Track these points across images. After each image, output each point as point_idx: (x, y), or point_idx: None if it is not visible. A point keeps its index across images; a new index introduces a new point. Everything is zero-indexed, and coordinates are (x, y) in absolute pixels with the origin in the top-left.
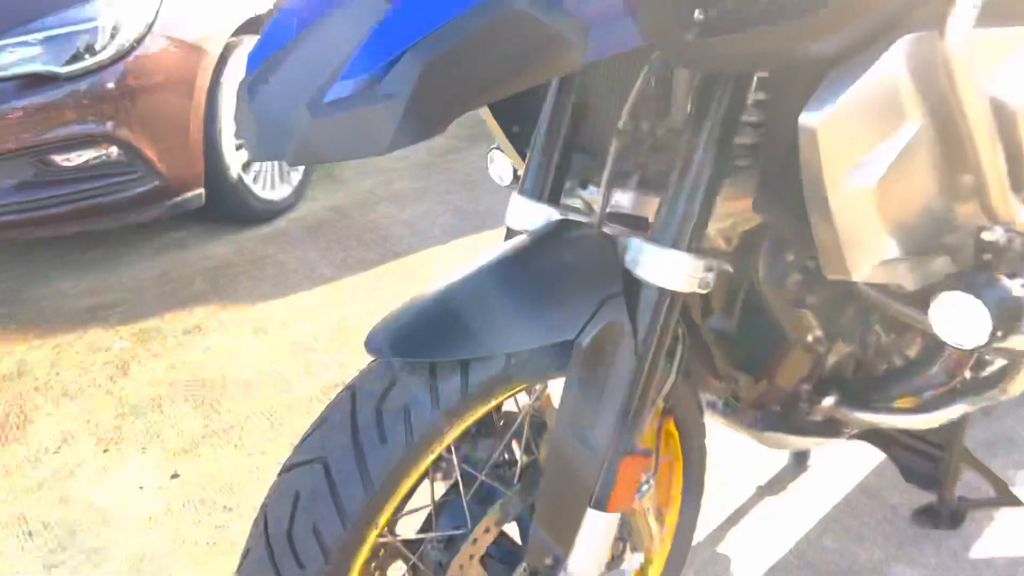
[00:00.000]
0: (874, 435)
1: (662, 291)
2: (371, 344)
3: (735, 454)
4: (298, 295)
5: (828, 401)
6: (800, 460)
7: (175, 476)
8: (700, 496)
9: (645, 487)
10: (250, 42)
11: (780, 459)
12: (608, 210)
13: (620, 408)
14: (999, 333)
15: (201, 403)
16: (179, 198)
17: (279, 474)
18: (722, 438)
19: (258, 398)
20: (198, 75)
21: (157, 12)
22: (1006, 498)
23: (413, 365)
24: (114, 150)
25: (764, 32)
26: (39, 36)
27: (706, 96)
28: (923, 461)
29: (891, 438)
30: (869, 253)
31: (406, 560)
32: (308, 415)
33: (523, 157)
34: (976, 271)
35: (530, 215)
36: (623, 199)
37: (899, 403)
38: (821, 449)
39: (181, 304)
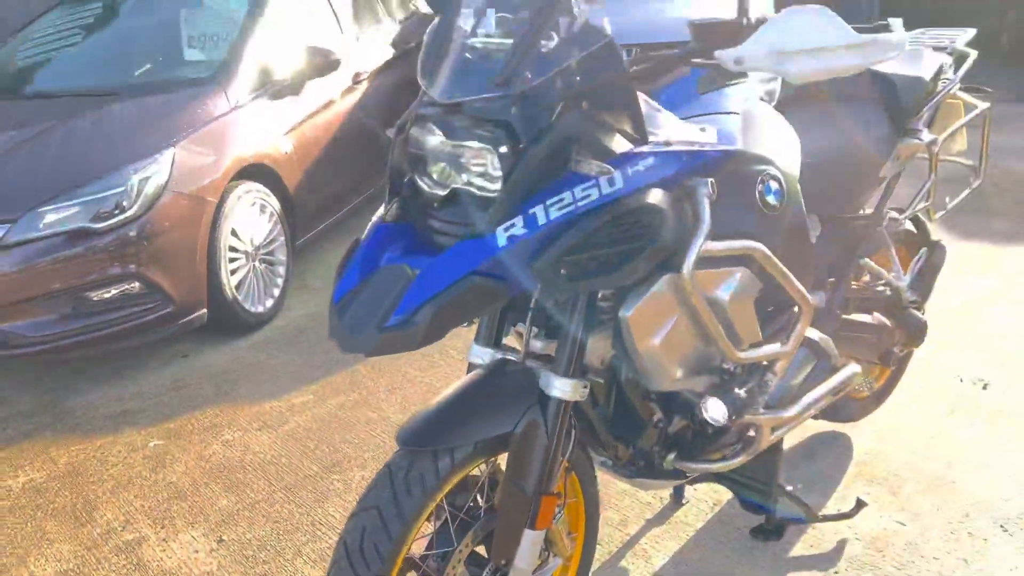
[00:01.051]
0: (720, 477)
1: (559, 401)
2: (399, 438)
3: (629, 500)
4: (290, 394)
5: (671, 457)
6: (679, 498)
7: (221, 541)
8: (597, 524)
9: (559, 515)
10: (242, 187)
11: (664, 498)
12: (529, 351)
13: (540, 468)
14: (734, 417)
15: (230, 485)
16: (187, 318)
17: (350, 516)
18: (620, 490)
19: (274, 477)
20: (202, 217)
21: (170, 174)
22: (811, 517)
23: (423, 451)
24: (136, 284)
25: (601, 279)
26: (81, 200)
27: (574, 302)
28: (754, 493)
29: (731, 479)
30: (664, 378)
31: (417, 568)
32: (314, 489)
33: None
34: (720, 384)
35: (482, 355)
36: (536, 344)
37: (713, 455)
38: (692, 490)
39: (196, 407)
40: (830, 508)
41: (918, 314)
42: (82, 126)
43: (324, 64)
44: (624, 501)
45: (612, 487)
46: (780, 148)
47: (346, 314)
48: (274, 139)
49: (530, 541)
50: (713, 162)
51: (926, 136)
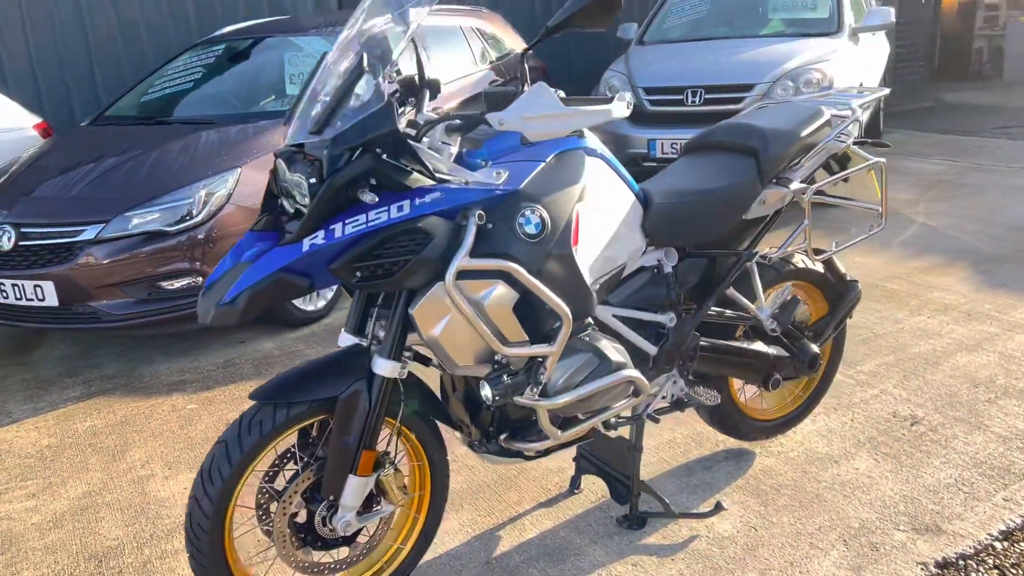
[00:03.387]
0: (599, 471)
1: (381, 377)
2: (252, 394)
3: (533, 485)
4: None
5: (503, 437)
6: (573, 486)
7: None
8: (443, 486)
9: (388, 468)
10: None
11: (562, 486)
12: (375, 336)
13: (361, 427)
14: (497, 398)
15: None
16: None
17: (212, 447)
18: (529, 477)
19: None
20: None
21: (234, 189)
22: (670, 513)
23: (267, 404)
24: (200, 279)
25: (383, 282)
26: (160, 207)
27: (398, 298)
28: (620, 486)
29: (605, 473)
30: (451, 364)
31: (277, 497)
32: None
33: None
34: (492, 372)
35: (345, 340)
36: (380, 332)
37: (531, 438)
38: (590, 481)
39: (234, 382)
40: (702, 510)
41: (811, 346)
42: (174, 148)
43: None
44: (527, 485)
45: (526, 474)
46: (557, 191)
47: (205, 295)
48: None
49: (353, 484)
50: (492, 199)
51: (795, 185)
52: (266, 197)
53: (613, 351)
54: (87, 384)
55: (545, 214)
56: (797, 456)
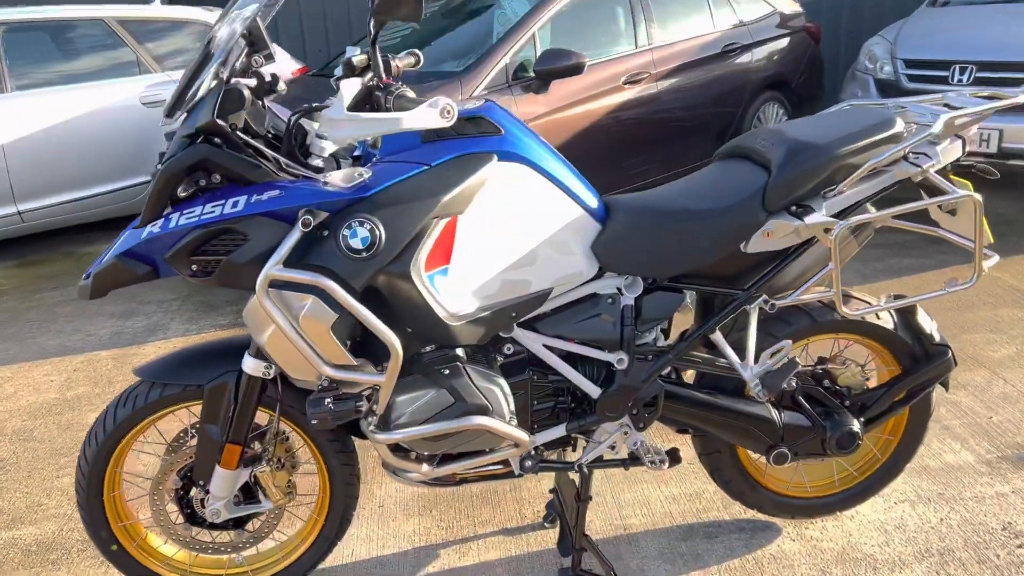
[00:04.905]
0: (559, 512)
1: (247, 375)
2: (135, 369)
3: (512, 513)
4: None
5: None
6: (546, 519)
7: None
8: (343, 495)
9: (264, 465)
10: None
11: (537, 516)
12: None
13: (224, 421)
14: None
15: None
16: None
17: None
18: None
19: None
20: None
21: None
22: (608, 569)
23: (146, 381)
24: None
25: (210, 279)
26: None
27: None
28: (563, 540)
29: (562, 515)
30: (287, 370)
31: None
32: None
33: None
34: (317, 393)
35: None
36: None
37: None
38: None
39: None
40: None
41: (851, 419)
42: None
43: (570, 67)
44: (506, 506)
45: (514, 493)
46: (412, 202)
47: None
48: None
49: (220, 476)
50: (335, 203)
51: (815, 218)
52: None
53: (473, 393)
54: (219, 325)
55: (379, 228)
56: (830, 548)
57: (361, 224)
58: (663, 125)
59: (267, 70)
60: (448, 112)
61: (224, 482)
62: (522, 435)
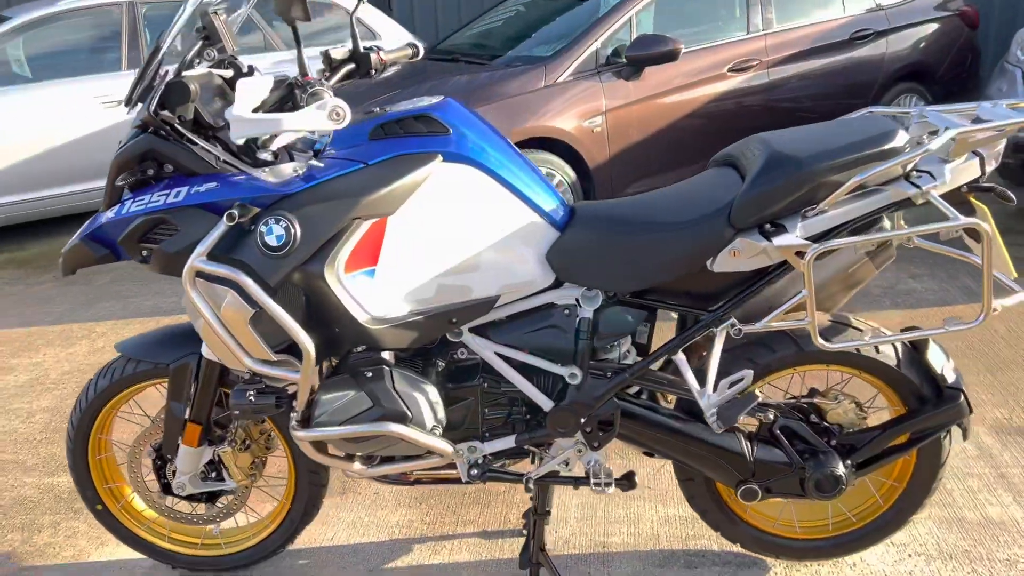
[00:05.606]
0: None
1: (206, 359)
2: (116, 345)
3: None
4: None
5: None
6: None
7: None
8: (316, 487)
9: (226, 446)
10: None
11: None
12: None
13: (185, 399)
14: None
15: None
16: None
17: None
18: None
19: None
20: None
21: None
22: None
23: (124, 356)
24: None
25: (151, 266)
26: None
27: None
28: (524, 552)
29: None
30: (224, 361)
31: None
32: None
33: None
34: (241, 384)
35: None
36: None
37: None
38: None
39: None
40: None
41: (836, 461)
42: (430, 86)
43: (663, 53)
44: (496, 508)
45: (507, 495)
46: (333, 200)
47: None
48: (579, 116)
49: (183, 452)
50: (263, 198)
51: (785, 239)
52: None
53: (393, 399)
54: None
55: (295, 226)
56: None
57: (278, 222)
58: (769, 117)
59: (245, 59)
60: (338, 115)
61: (188, 458)
62: (443, 445)
